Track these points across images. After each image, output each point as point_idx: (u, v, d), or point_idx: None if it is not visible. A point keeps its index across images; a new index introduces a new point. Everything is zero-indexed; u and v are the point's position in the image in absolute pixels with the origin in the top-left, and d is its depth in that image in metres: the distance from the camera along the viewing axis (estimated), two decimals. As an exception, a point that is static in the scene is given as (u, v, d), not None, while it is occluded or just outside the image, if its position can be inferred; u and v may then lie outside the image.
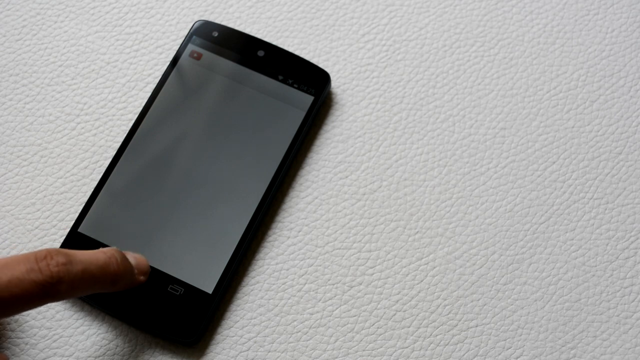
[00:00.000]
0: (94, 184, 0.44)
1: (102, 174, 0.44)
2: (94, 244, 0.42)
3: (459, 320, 0.42)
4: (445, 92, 0.47)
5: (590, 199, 0.45)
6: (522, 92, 0.47)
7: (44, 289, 0.35)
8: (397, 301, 0.43)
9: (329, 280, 0.43)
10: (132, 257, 0.40)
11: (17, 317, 0.41)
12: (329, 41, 0.48)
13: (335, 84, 0.47)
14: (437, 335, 0.42)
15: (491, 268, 0.43)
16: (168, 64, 0.47)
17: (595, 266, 0.44)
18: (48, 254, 0.35)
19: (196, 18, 0.48)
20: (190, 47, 0.46)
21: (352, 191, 0.45)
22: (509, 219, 0.44)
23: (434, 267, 0.43)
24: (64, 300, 0.40)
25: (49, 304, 0.41)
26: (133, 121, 0.46)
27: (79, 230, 0.42)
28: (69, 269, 0.35)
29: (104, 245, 0.42)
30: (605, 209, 0.45)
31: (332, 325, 0.42)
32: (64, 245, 0.42)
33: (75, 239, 0.42)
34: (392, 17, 0.49)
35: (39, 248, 0.43)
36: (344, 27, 0.49)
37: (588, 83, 0.48)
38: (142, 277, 0.40)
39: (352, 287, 0.43)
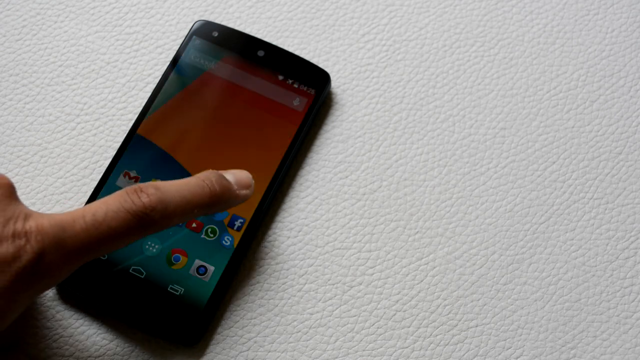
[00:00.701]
0: (94, 184, 0.44)
1: (102, 174, 0.44)
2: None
3: (459, 320, 0.42)
4: (445, 92, 0.47)
5: (590, 199, 0.45)
6: (522, 92, 0.47)
7: (139, 219, 0.35)
8: (397, 301, 0.43)
9: (329, 280, 0.43)
10: (230, 174, 0.40)
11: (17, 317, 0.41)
12: (329, 41, 0.48)
13: (335, 84, 0.47)
14: (437, 335, 0.42)
15: (491, 268, 0.43)
16: (168, 64, 0.47)
17: (595, 266, 0.44)
18: (138, 187, 0.36)
19: (196, 18, 0.48)
20: (191, 47, 0.46)
21: (352, 191, 0.45)
22: (509, 219, 0.44)
23: (434, 267, 0.43)
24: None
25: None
26: (133, 121, 0.46)
27: (79, 230, 0.42)
28: (160, 197, 0.36)
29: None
30: (605, 209, 0.45)
31: (332, 325, 0.42)
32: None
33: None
34: (392, 17, 0.49)
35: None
36: (344, 27, 0.49)
37: (588, 83, 0.48)
38: (244, 192, 0.40)
39: (352, 287, 0.43)
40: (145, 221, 0.35)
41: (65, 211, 0.44)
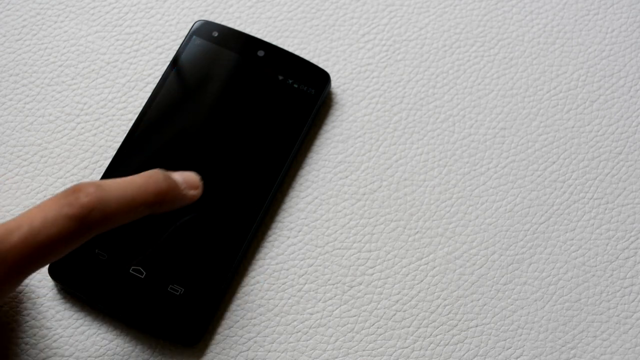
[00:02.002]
0: (98, 178, 0.44)
1: (102, 174, 0.44)
2: (94, 244, 0.42)
3: (459, 320, 0.42)
4: (445, 92, 0.47)
5: (590, 199, 0.45)
6: (522, 92, 0.47)
7: (79, 221, 0.33)
8: (397, 301, 0.43)
9: (329, 280, 0.43)
10: (178, 174, 0.38)
11: (17, 317, 0.41)
12: (329, 41, 0.48)
13: (335, 84, 0.47)
14: (437, 335, 0.42)
15: (491, 268, 0.43)
16: (168, 64, 0.47)
17: (595, 266, 0.44)
18: (77, 187, 0.34)
19: (196, 18, 0.48)
20: (191, 47, 0.46)
21: (352, 191, 0.45)
22: (509, 219, 0.44)
23: (434, 267, 0.43)
24: (98, 233, 0.36)
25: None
26: (133, 121, 0.46)
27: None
28: (100, 195, 0.34)
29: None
30: (605, 209, 0.45)
31: (332, 325, 0.42)
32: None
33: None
34: (392, 17, 0.49)
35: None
36: (344, 27, 0.49)
37: (588, 83, 0.48)
38: (192, 192, 0.38)
39: (352, 287, 0.43)
40: (86, 223, 0.34)
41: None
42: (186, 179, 0.38)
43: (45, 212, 0.34)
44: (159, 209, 0.37)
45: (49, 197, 0.44)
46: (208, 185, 0.43)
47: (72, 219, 0.33)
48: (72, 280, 0.41)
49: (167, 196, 0.37)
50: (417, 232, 0.44)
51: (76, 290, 0.41)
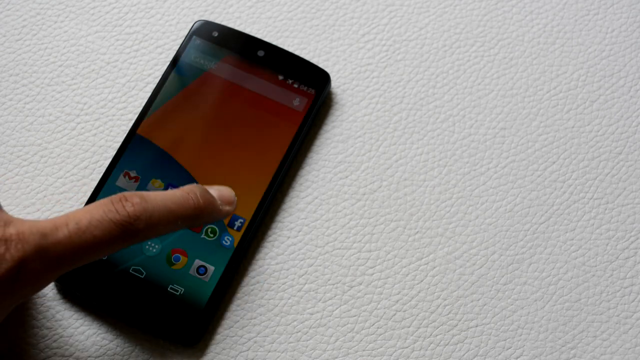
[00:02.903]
0: (94, 184, 0.44)
1: (102, 174, 0.44)
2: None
3: (459, 320, 0.42)
4: (445, 92, 0.47)
5: (590, 199, 0.45)
6: (522, 92, 0.47)
7: (123, 228, 0.35)
8: (397, 301, 0.43)
9: (329, 280, 0.43)
10: (214, 190, 0.40)
11: (17, 317, 0.41)
12: (329, 41, 0.48)
13: (335, 84, 0.47)
14: (437, 335, 0.42)
15: (491, 268, 0.43)
16: (168, 64, 0.47)
17: (595, 266, 0.44)
18: (123, 196, 0.36)
19: (196, 18, 0.48)
20: (191, 47, 0.46)
21: (352, 191, 0.45)
22: (509, 219, 0.44)
23: (434, 267, 0.43)
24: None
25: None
26: (133, 121, 0.46)
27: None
28: (145, 206, 0.36)
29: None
30: (605, 209, 0.45)
31: (332, 325, 0.42)
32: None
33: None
34: (392, 17, 0.49)
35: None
36: (344, 27, 0.49)
37: (588, 83, 0.48)
38: (227, 207, 0.40)
39: (352, 287, 0.43)
40: (129, 230, 0.35)
41: (64, 211, 0.44)
42: (222, 194, 0.40)
43: (92, 214, 0.35)
44: (196, 223, 0.38)
45: (49, 197, 0.44)
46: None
47: (117, 224, 0.35)
48: (72, 280, 0.41)
49: (205, 211, 0.38)
50: (417, 232, 0.44)
51: (76, 290, 0.41)
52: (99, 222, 0.35)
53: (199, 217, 0.38)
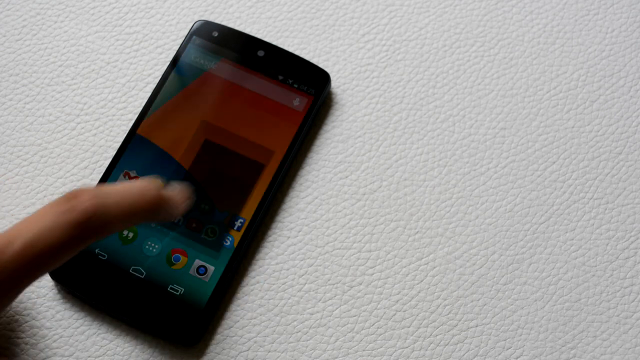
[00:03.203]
0: (94, 184, 0.44)
1: (102, 174, 0.44)
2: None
3: (459, 320, 0.42)
4: (445, 92, 0.47)
5: (590, 199, 0.45)
6: (522, 92, 0.47)
7: (80, 227, 0.33)
8: (397, 301, 0.43)
9: (329, 280, 0.43)
10: (170, 186, 0.38)
11: (17, 317, 0.41)
12: (329, 41, 0.48)
13: (335, 84, 0.47)
14: (437, 335, 0.42)
15: (491, 268, 0.43)
16: (168, 64, 0.47)
17: (595, 266, 0.44)
18: (75, 192, 0.34)
19: (196, 18, 0.48)
20: (191, 47, 0.46)
21: (352, 191, 0.45)
22: (509, 219, 0.44)
23: (434, 267, 0.43)
24: (96, 241, 0.36)
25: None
26: (133, 121, 0.46)
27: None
28: (101, 201, 0.34)
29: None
30: (605, 209, 0.45)
31: (332, 325, 0.42)
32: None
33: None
34: (392, 17, 0.49)
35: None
36: (344, 27, 0.49)
37: (588, 83, 0.48)
38: (184, 204, 0.38)
39: (352, 287, 0.43)
40: (86, 229, 0.33)
41: None
42: (177, 190, 0.38)
43: (43, 219, 0.33)
44: (154, 218, 0.36)
45: (49, 197, 0.44)
46: (208, 184, 0.43)
47: (71, 225, 0.33)
48: (72, 280, 0.41)
49: (164, 205, 0.36)
50: (417, 232, 0.44)
51: (76, 290, 0.41)
52: (52, 227, 0.33)
53: (157, 211, 0.36)
